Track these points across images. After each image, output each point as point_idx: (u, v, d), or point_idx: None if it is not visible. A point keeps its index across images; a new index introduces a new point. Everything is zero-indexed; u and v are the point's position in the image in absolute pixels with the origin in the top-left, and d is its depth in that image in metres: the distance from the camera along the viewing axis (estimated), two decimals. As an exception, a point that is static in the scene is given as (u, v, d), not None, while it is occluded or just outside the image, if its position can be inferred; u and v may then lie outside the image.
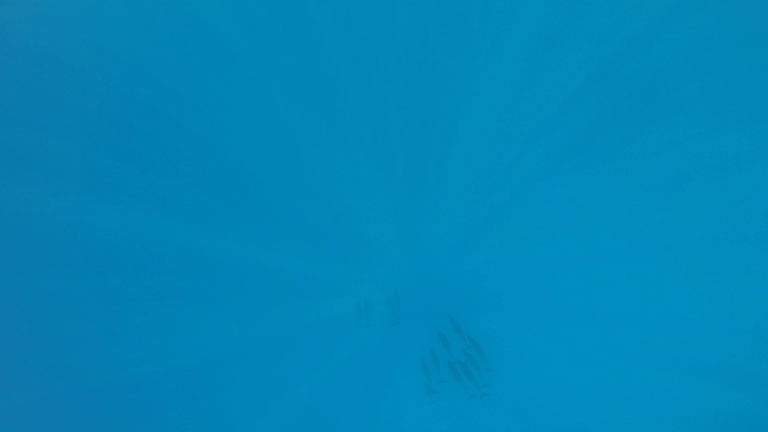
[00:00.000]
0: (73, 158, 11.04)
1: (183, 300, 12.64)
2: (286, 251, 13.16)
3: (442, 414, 12.78)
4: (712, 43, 10.42)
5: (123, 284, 12.11)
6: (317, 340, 13.30)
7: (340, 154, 12.75)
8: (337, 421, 13.08)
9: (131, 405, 12.42)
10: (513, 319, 13.67)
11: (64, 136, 10.80)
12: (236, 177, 12.31)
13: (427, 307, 13.61)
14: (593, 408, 13.09)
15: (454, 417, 12.83)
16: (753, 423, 12.24)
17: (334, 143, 12.62)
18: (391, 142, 12.81)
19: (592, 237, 12.89)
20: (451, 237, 13.89)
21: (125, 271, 12.05)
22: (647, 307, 12.85)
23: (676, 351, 12.66)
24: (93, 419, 12.26)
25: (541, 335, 13.57)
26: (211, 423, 12.82)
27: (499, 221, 13.45)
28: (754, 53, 10.32)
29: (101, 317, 12.09)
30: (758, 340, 12.09)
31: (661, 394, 12.85)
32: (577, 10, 10.64)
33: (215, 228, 12.46)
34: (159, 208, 11.96)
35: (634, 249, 12.57)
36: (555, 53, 11.19)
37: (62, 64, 10.42)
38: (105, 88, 10.86)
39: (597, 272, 13.11)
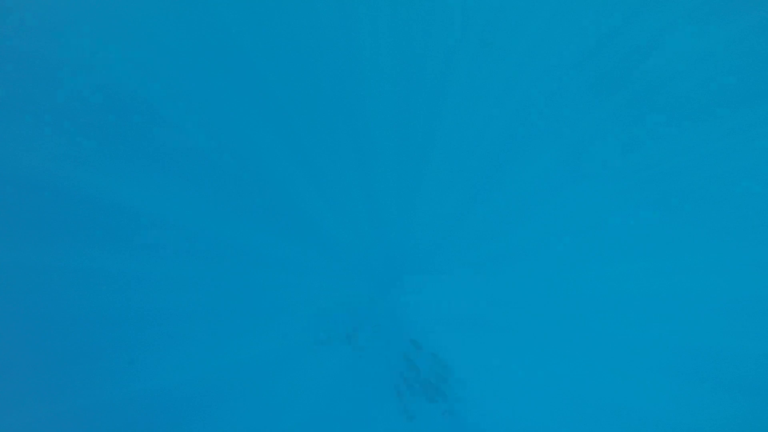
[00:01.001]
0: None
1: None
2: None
3: None
4: (718, 48, 10.36)
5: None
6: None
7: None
8: None
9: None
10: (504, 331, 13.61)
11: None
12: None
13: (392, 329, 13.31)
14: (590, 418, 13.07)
15: None
16: (755, 426, 12.20)
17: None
18: (375, 147, 12.74)
19: (591, 241, 12.85)
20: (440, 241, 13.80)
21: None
22: (647, 309, 12.82)
23: (676, 354, 12.62)
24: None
25: (536, 343, 13.54)
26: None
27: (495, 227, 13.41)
28: (758, 57, 10.26)
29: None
30: (761, 342, 12.04)
31: (662, 396, 12.82)
32: (579, 10, 10.59)
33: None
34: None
35: (634, 253, 12.53)
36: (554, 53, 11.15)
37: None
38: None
39: (596, 276, 13.06)
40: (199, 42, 11.31)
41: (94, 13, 10.59)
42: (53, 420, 12.04)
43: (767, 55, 10.35)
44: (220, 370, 12.96)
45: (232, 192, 12.61)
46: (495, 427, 12.86)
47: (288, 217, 12.94)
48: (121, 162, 11.70)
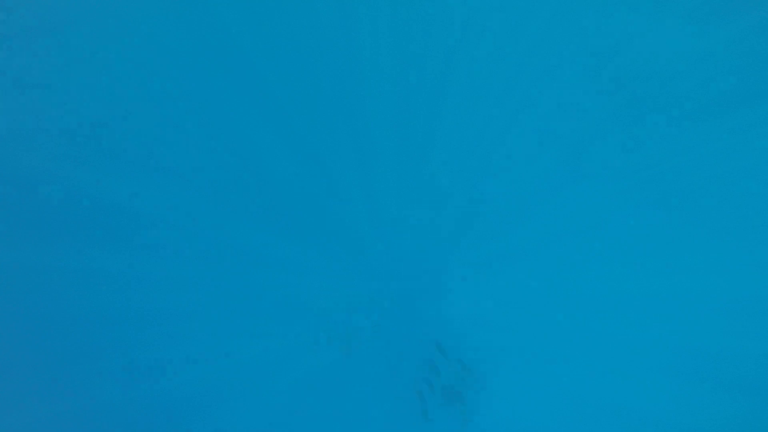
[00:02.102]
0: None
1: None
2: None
3: None
4: (718, 48, 10.36)
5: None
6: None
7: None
8: None
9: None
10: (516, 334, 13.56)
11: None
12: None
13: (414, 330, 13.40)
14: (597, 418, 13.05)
15: None
16: (755, 426, 12.19)
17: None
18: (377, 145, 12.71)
19: (592, 241, 12.83)
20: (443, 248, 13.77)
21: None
22: (648, 307, 12.81)
23: (677, 354, 12.61)
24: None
25: (546, 344, 13.50)
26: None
27: (496, 228, 13.38)
28: (758, 57, 10.25)
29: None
30: (761, 342, 12.03)
31: (664, 395, 12.81)
32: (582, 11, 10.58)
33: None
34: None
35: (634, 252, 12.52)
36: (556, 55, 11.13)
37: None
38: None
39: (596, 275, 13.05)
40: (198, 42, 11.29)
41: (96, 13, 10.58)
42: (54, 420, 12.03)
43: (767, 55, 10.33)
44: (227, 369, 12.99)
45: (235, 192, 12.60)
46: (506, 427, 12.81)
47: (297, 219, 12.92)
48: (121, 162, 11.69)
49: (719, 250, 12.05)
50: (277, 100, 12.17)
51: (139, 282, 12.34)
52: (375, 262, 13.60)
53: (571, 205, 12.76)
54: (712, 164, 11.41)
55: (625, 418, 12.91)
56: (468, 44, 11.43)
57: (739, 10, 9.90)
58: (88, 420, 12.28)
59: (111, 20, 10.69)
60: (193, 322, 12.79)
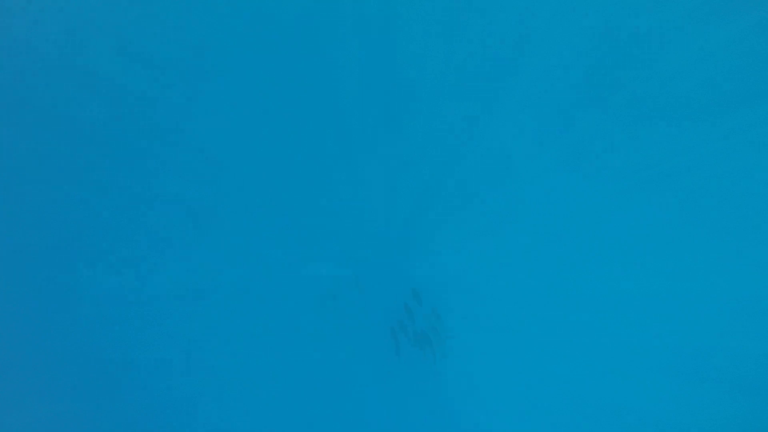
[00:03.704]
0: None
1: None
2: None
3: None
4: (718, 48, 10.36)
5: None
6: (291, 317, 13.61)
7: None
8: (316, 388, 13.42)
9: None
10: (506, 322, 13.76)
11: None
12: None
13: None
14: (588, 410, 13.11)
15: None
16: (755, 426, 12.20)
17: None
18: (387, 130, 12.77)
19: (591, 241, 12.84)
20: (443, 235, 13.94)
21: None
22: (647, 306, 12.81)
23: (676, 353, 12.62)
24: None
25: (535, 333, 13.61)
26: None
27: (492, 220, 13.48)
28: (758, 57, 10.25)
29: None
30: (761, 342, 12.03)
31: (661, 394, 12.81)
32: (580, 10, 10.57)
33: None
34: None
35: (633, 251, 12.52)
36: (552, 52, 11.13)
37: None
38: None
39: (595, 274, 13.06)
40: (197, 43, 11.28)
41: (95, 15, 10.58)
42: (54, 420, 12.03)
43: (767, 55, 10.33)
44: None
45: (226, 185, 12.64)
46: (474, 383, 13.35)
47: (285, 192, 13.22)
48: (120, 164, 11.69)
49: (719, 249, 12.05)
50: (269, 100, 12.20)
51: (139, 283, 12.38)
52: (369, 219, 13.97)
53: (570, 204, 12.77)
54: (712, 164, 11.40)
55: (625, 414, 12.93)
56: (469, 44, 11.42)
57: (739, 10, 9.89)
58: (89, 420, 12.28)
59: (111, 20, 10.68)
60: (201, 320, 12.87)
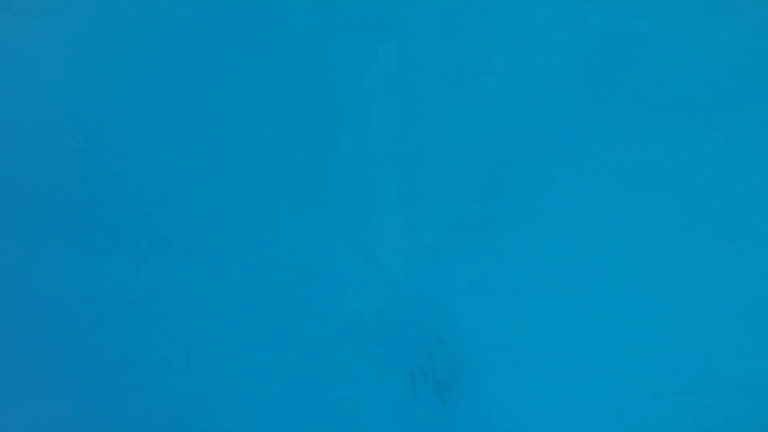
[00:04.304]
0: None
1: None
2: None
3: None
4: (718, 48, 10.37)
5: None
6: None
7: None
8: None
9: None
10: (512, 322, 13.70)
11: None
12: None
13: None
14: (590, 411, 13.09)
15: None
16: (755, 426, 12.20)
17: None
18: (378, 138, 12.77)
19: (591, 241, 12.85)
20: (442, 241, 13.92)
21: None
22: (647, 307, 12.82)
23: (676, 353, 12.62)
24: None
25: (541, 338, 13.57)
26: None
27: (495, 225, 13.48)
28: (758, 57, 10.26)
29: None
30: (760, 343, 12.04)
31: (659, 396, 12.82)
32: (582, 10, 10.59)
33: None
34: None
35: (633, 251, 12.53)
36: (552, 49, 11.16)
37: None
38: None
39: (596, 274, 13.07)
40: (195, 44, 11.30)
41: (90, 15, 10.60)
42: (54, 420, 12.04)
43: (767, 55, 10.34)
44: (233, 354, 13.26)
45: (235, 190, 12.63)
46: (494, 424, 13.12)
47: (300, 212, 13.11)
48: (120, 166, 11.70)
49: (719, 248, 12.06)
50: (274, 102, 12.20)
51: (138, 283, 12.38)
52: (388, 257, 13.82)
53: (570, 204, 12.77)
54: (712, 164, 11.41)
55: (635, 417, 12.93)
56: (469, 43, 11.44)
57: (739, 10, 9.90)
58: (90, 421, 12.29)
59: (108, 21, 10.70)
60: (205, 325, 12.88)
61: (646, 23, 10.40)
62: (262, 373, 13.11)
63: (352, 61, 11.86)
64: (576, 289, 13.32)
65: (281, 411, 13.14)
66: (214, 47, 11.46)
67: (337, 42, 11.64)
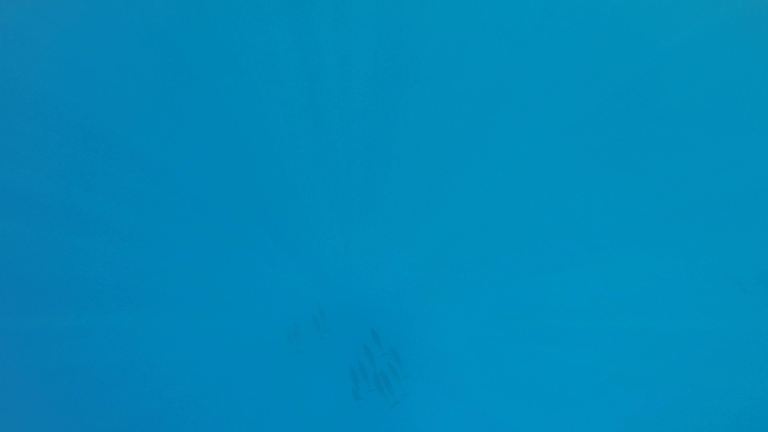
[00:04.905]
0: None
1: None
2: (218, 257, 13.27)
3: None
4: (718, 47, 10.37)
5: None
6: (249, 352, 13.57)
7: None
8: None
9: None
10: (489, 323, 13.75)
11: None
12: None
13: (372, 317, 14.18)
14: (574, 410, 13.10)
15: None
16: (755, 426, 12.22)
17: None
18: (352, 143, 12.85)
19: (591, 241, 12.85)
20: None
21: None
22: (646, 305, 12.82)
23: (676, 352, 12.63)
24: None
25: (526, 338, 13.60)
26: None
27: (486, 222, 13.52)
28: (758, 57, 10.25)
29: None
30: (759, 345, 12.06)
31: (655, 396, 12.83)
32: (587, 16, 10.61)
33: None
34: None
35: (633, 251, 12.53)
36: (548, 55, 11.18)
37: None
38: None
39: (595, 274, 13.07)
40: (193, 45, 11.30)
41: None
42: (54, 420, 12.10)
43: (767, 55, 10.33)
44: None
45: (220, 198, 12.70)
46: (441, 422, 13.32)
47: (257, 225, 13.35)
48: (122, 163, 11.71)
49: (719, 248, 12.06)
50: (260, 108, 12.28)
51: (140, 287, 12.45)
52: (335, 258, 14.05)
53: (570, 204, 12.78)
54: (712, 164, 11.41)
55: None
56: (468, 42, 11.44)
57: (740, 12, 9.90)
58: (89, 420, 12.33)
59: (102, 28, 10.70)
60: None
61: (646, 23, 10.41)
62: (202, 383, 13.10)
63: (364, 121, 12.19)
64: (564, 286, 13.32)
65: (229, 416, 13.11)
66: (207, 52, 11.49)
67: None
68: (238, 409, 13.05)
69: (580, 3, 10.77)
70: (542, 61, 11.43)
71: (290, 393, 13.42)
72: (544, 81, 11.67)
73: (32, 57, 10.46)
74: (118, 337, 12.36)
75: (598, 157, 12.09)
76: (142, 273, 12.42)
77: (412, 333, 13.73)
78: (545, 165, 12.45)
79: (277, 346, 13.29)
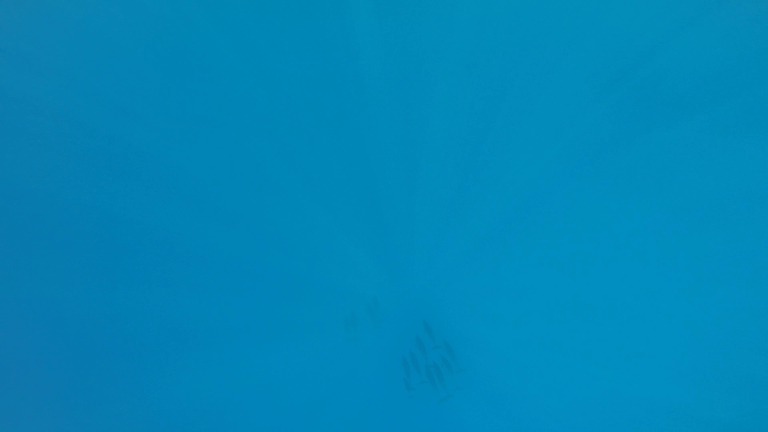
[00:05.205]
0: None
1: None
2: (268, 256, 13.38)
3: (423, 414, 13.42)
4: (718, 47, 10.37)
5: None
6: (304, 344, 13.85)
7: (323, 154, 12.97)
8: (325, 419, 13.45)
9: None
10: (507, 323, 13.80)
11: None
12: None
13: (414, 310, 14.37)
14: (582, 411, 13.12)
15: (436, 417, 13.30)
16: (755, 425, 12.21)
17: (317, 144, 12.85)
18: (380, 143, 12.84)
19: (591, 240, 12.86)
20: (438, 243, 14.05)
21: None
22: (646, 305, 12.82)
23: (671, 357, 12.63)
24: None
25: (533, 338, 13.64)
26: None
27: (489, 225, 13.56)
28: (758, 56, 10.26)
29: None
30: (757, 345, 12.05)
31: (654, 398, 12.83)
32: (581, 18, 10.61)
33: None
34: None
35: (633, 251, 12.53)
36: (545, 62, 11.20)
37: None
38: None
39: (591, 275, 13.09)
40: (191, 48, 11.31)
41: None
42: (54, 420, 12.06)
43: (767, 55, 10.34)
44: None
45: (236, 195, 12.69)
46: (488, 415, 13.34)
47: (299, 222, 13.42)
48: (121, 174, 11.70)
49: (719, 248, 12.06)
50: (272, 108, 12.27)
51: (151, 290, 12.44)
52: (385, 251, 14.15)
53: (570, 204, 12.78)
54: (711, 164, 11.41)
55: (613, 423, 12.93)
56: (469, 43, 11.45)
57: (739, 10, 9.91)
58: (89, 420, 12.31)
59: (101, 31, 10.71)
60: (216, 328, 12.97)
61: (646, 24, 10.42)
62: (260, 366, 13.38)
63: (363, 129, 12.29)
64: (572, 288, 13.34)
65: (280, 403, 13.28)
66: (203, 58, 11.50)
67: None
68: (294, 391, 13.47)
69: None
70: (545, 60, 11.44)
71: (345, 377, 13.80)
72: (553, 78, 11.72)
73: (32, 57, 10.46)
74: (185, 320, 12.66)
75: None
76: (206, 254, 12.68)
77: (467, 330, 13.88)
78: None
79: (336, 332, 13.71)
